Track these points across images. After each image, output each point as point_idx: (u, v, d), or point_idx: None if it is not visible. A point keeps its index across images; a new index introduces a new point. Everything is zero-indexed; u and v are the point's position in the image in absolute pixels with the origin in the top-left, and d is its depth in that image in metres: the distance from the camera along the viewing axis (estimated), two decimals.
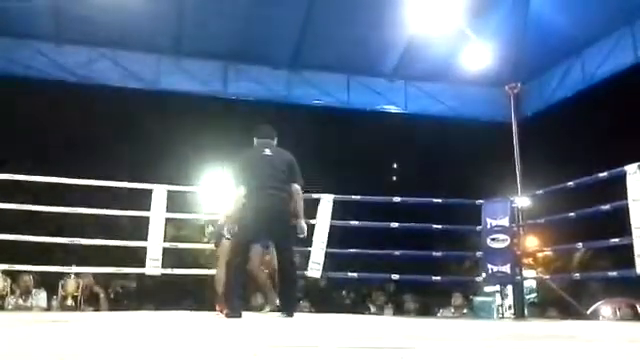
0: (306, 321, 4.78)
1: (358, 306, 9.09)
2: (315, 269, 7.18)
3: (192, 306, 7.62)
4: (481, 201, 7.92)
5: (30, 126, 13.91)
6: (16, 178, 6.80)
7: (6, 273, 7.15)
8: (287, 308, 5.06)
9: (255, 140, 5.47)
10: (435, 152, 17.82)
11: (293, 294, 5.38)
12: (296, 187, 5.22)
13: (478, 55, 8.03)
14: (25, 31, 7.74)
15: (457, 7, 7.56)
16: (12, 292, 7.28)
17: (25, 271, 7.14)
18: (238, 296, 4.94)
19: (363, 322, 5.20)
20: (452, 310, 9.03)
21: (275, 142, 5.45)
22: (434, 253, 8.18)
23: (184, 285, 6.79)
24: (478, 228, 7.84)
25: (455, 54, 8.38)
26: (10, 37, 7.78)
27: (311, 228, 7.29)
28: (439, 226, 8.04)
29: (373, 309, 8.82)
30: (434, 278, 8.07)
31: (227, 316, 4.84)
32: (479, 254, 7.94)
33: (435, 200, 8.09)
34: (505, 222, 7.60)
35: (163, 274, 7.01)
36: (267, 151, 5.24)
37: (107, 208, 7.63)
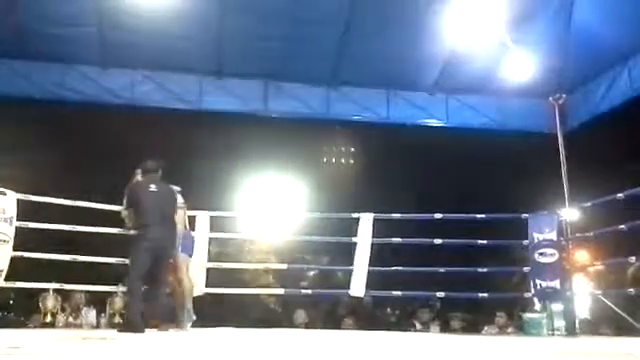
0: (353, 339, 4.73)
1: (403, 324, 8.96)
2: (358, 288, 7.12)
3: (239, 323, 7.63)
4: (526, 215, 7.74)
5: (80, 146, 14.36)
6: (64, 203, 6.96)
7: (57, 292, 7.34)
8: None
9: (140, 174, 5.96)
10: (478, 166, 17.55)
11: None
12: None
13: (520, 66, 7.89)
14: (73, 57, 8.01)
15: (497, 18, 7.47)
16: (63, 310, 7.46)
17: (76, 290, 7.31)
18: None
19: (413, 340, 5.11)
20: (496, 328, 8.82)
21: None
22: (479, 269, 8.02)
23: (230, 302, 6.84)
24: (525, 243, 7.65)
25: (497, 65, 8.27)
26: (59, 63, 8.07)
27: (353, 247, 7.26)
28: (484, 241, 7.88)
29: (419, 326, 8.68)
30: (480, 295, 7.90)
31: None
32: (526, 269, 7.73)
33: (479, 216, 7.94)
34: (553, 236, 7.40)
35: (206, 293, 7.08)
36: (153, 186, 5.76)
37: None
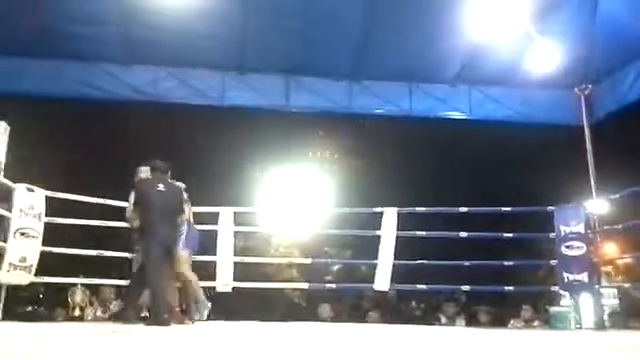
0: (379, 333, 4.73)
1: (428, 317, 8.92)
2: (383, 281, 7.11)
3: (263, 317, 7.68)
4: (552, 207, 7.64)
5: (100, 143, 14.54)
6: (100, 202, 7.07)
7: (85, 286, 7.48)
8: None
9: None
10: (502, 158, 17.35)
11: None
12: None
13: (545, 57, 7.77)
14: (96, 55, 8.11)
15: (521, 8, 7.35)
16: (91, 304, 7.60)
17: (104, 284, 7.44)
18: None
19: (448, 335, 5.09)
20: (522, 322, 8.73)
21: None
22: (505, 262, 7.94)
23: (254, 296, 6.90)
24: (551, 235, 7.56)
25: (521, 56, 8.17)
26: (83, 61, 8.18)
27: (376, 241, 7.25)
28: (510, 234, 7.80)
29: (444, 320, 8.63)
30: (506, 288, 7.83)
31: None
32: (553, 262, 7.64)
33: (504, 208, 7.86)
34: (580, 229, 7.30)
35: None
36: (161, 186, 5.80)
37: None
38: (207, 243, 7.06)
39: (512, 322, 9.03)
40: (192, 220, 6.29)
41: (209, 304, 6.12)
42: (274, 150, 17.68)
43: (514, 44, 7.98)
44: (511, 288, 7.88)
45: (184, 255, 6.05)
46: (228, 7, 7.55)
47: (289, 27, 7.87)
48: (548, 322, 8.05)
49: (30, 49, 7.86)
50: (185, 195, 6.22)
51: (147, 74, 8.41)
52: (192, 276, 6.11)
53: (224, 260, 6.97)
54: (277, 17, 7.74)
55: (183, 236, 6.04)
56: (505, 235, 7.80)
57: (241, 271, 7.72)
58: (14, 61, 7.98)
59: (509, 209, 7.89)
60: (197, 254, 6.40)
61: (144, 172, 6.15)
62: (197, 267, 6.89)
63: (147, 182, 5.95)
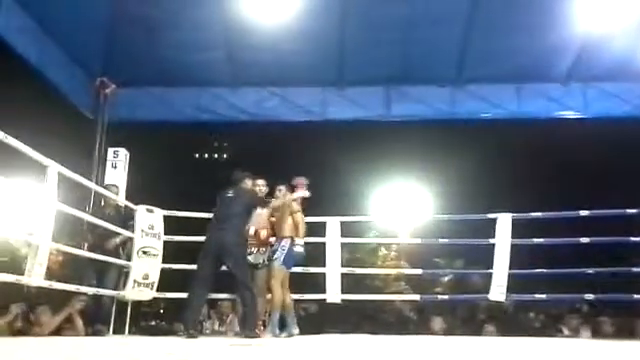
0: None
1: (548, 329, 8.42)
2: (498, 291, 6.80)
3: (374, 331, 7.61)
4: None
5: (211, 166, 15.21)
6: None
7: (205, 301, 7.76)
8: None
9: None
10: (623, 157, 16.18)
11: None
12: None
13: None
14: (205, 80, 8.53)
15: None
16: (209, 317, 7.90)
17: (222, 298, 7.69)
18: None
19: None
20: None
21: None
22: (634, 269, 7.33)
23: (364, 309, 6.87)
24: None
25: (638, 48, 7.58)
26: (194, 87, 8.65)
27: (488, 249, 6.96)
28: (638, 238, 7.19)
29: (566, 332, 8.10)
30: (635, 296, 7.21)
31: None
32: None
33: (629, 210, 7.27)
34: None
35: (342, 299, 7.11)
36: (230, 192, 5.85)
37: None
38: (314, 254, 7.09)
39: None
40: (297, 238, 6.05)
41: (295, 330, 6.00)
42: (378, 161, 17.64)
43: (630, 34, 7.44)
44: None
45: (276, 269, 5.97)
46: (325, 23, 7.65)
47: (388, 38, 7.84)
48: None
49: (144, 78, 8.42)
50: (295, 205, 6.10)
51: (251, 95, 8.73)
52: (278, 293, 5.94)
53: (333, 271, 6.96)
54: (375, 29, 7.73)
55: (283, 250, 5.97)
56: (633, 239, 7.21)
57: (349, 283, 7.70)
58: (131, 91, 8.58)
59: (635, 211, 7.28)
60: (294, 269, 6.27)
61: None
62: (304, 279, 6.95)
63: (222, 191, 5.95)
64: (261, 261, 6.10)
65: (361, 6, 7.50)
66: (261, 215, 6.14)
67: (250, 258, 6.00)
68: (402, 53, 8.08)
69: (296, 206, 6.15)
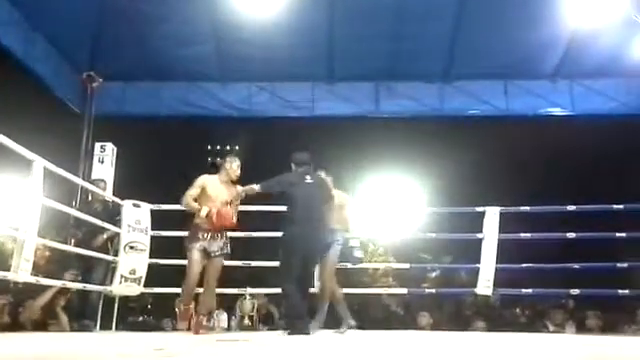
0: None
1: (534, 324, 8.48)
2: (485, 286, 6.84)
3: (361, 326, 7.62)
4: None
5: (198, 160, 15.14)
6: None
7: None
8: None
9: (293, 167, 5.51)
10: (608, 154, 16.34)
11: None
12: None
13: None
14: (194, 74, 8.49)
15: None
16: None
17: None
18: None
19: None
20: (636, 327, 8.09)
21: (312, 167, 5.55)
22: (619, 264, 7.40)
23: (350, 305, 6.86)
24: None
25: (625, 45, 7.67)
26: (182, 81, 8.60)
27: (475, 245, 7.01)
28: (623, 234, 7.26)
29: (552, 327, 8.17)
30: (620, 292, 7.28)
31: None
32: None
33: (615, 206, 7.33)
34: None
35: None
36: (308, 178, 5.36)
37: None
38: None
39: (626, 328, 8.39)
40: (349, 231, 5.87)
41: (351, 321, 5.77)
42: (366, 156, 17.65)
43: (616, 31, 7.50)
44: (626, 292, 7.32)
45: (333, 262, 5.74)
46: (315, 18, 7.64)
47: (377, 34, 7.85)
48: None
49: (132, 72, 8.36)
50: (345, 197, 5.91)
51: (241, 90, 8.70)
52: (330, 284, 5.74)
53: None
54: (363, 24, 7.73)
55: (338, 243, 5.71)
56: (618, 235, 7.28)
57: (338, 279, 7.71)
58: (119, 85, 8.52)
59: (621, 207, 7.35)
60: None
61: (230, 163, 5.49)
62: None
63: (294, 174, 5.43)
64: (216, 249, 5.39)
65: (350, 1, 7.48)
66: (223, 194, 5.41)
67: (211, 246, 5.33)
68: (391, 49, 8.09)
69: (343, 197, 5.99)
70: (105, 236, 6.36)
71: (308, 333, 4.93)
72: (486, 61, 8.14)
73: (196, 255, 5.26)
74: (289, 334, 4.95)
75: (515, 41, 7.82)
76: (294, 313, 5.10)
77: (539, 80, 8.39)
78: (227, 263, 6.97)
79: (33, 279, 4.97)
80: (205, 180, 5.41)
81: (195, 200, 5.33)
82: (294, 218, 5.19)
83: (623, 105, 8.34)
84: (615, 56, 7.89)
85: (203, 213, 5.21)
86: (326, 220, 5.42)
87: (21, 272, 4.61)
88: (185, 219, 5.71)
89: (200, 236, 5.30)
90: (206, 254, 5.32)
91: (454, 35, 7.81)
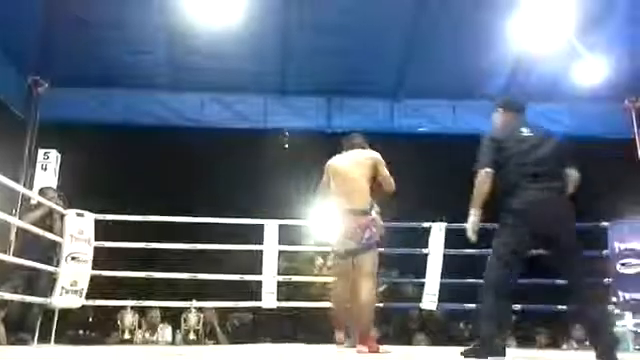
0: None
1: (477, 338, 8.64)
2: (430, 300, 6.97)
3: (309, 339, 7.62)
4: (606, 224, 7.36)
5: (147, 170, 14.82)
6: (132, 219, 7.13)
7: (135, 309, 7.57)
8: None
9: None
10: None
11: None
12: None
13: (592, 70, 7.62)
14: (144, 82, 8.36)
15: (565, 21, 7.24)
16: (140, 327, 7.68)
17: (153, 307, 7.51)
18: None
19: None
20: (575, 342, 8.38)
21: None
22: (557, 281, 7.65)
23: (298, 319, 6.85)
24: (604, 253, 7.27)
25: (567, 70, 8.04)
26: (132, 89, 8.46)
27: (424, 258, 7.14)
28: None
29: None
30: (559, 307, 7.53)
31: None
32: (607, 281, 7.33)
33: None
34: (637, 245, 7.00)
35: (278, 307, 7.09)
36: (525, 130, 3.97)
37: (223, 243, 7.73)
38: (250, 262, 7.05)
39: (565, 346, 8.68)
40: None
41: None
42: (320, 169, 17.67)
43: (559, 57, 7.85)
44: (564, 307, 7.57)
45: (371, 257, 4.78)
46: (268, 31, 7.66)
47: (331, 48, 7.92)
48: None
49: (81, 78, 8.16)
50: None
51: (193, 100, 8.62)
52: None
53: (269, 278, 6.93)
54: (317, 39, 7.80)
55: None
56: None
57: (286, 292, 7.69)
58: (66, 91, 8.30)
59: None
60: None
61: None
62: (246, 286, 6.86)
63: (505, 124, 4.04)
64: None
65: (304, 14, 7.53)
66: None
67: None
68: (343, 64, 8.20)
69: None
70: (38, 214, 6.09)
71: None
72: (435, 81, 8.32)
73: None
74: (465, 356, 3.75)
75: (463, 63, 8.03)
76: (488, 332, 3.69)
77: (485, 101, 8.62)
78: (172, 275, 6.87)
79: None
80: None
81: None
82: (518, 184, 3.83)
83: (566, 127, 8.67)
84: (557, 81, 8.24)
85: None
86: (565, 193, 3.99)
87: None
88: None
89: None
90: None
91: (406, 54, 7.98)
